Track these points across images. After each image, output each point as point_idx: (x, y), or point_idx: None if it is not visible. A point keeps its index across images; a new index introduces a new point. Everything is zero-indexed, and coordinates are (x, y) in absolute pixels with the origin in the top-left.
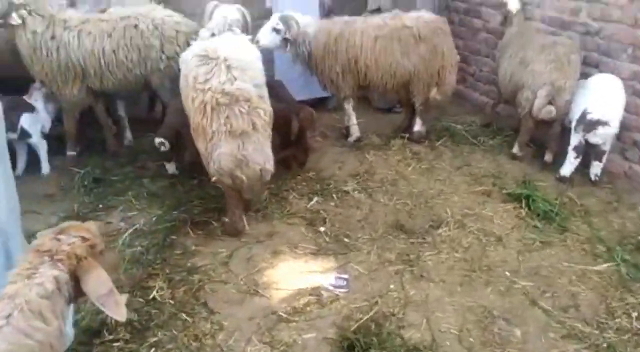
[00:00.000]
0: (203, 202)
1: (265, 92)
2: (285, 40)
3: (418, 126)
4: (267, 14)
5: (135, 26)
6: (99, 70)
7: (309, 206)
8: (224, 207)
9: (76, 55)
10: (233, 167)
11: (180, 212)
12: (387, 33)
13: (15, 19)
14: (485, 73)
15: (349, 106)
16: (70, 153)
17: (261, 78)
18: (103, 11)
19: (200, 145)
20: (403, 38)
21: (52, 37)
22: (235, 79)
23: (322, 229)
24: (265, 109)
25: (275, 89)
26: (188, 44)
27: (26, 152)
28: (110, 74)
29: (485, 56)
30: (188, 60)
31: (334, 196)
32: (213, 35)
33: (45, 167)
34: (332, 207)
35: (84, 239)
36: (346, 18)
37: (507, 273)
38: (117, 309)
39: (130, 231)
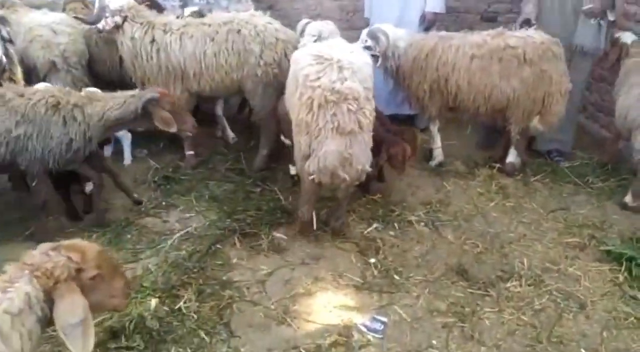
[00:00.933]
0: (259, 214)
1: (371, 95)
2: (374, 57)
3: (512, 157)
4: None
5: (239, 31)
6: (198, 72)
7: (365, 232)
8: (277, 222)
9: (177, 57)
10: (338, 165)
11: (233, 221)
12: (486, 52)
13: (103, 24)
14: (608, 103)
15: (434, 127)
16: (189, 152)
17: (370, 82)
18: (202, 15)
19: (302, 140)
20: (505, 59)
21: (152, 41)
22: (346, 79)
23: (372, 260)
24: (370, 110)
25: None
26: (285, 52)
27: (112, 142)
28: (208, 77)
29: (609, 84)
30: (299, 59)
31: (396, 224)
32: (317, 39)
33: (127, 159)
34: (390, 237)
35: (70, 260)
36: (443, 33)
37: (582, 350)
38: (82, 345)
39: (181, 233)
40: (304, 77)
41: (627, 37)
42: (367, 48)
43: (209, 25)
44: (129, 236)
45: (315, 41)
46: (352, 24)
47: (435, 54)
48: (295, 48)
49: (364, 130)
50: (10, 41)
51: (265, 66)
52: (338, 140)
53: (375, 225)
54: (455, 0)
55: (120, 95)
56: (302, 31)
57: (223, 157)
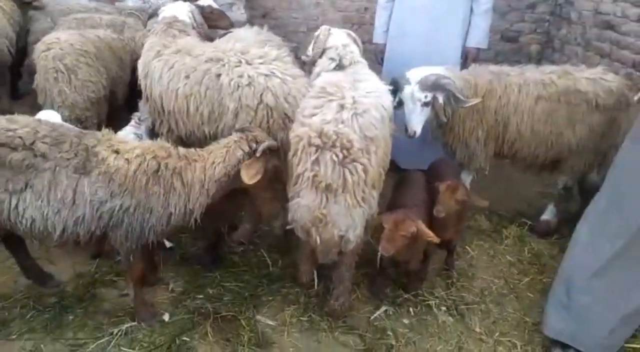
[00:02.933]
0: (240, 287)
1: (379, 149)
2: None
3: (548, 214)
4: None
5: (218, 76)
6: (172, 114)
7: (372, 317)
8: (262, 299)
9: (155, 89)
10: (309, 223)
11: (206, 298)
12: (554, 94)
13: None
14: None
15: (468, 178)
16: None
17: (375, 131)
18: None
19: (287, 185)
20: (573, 103)
21: (145, 62)
22: (342, 122)
23: None
24: (366, 165)
25: (437, 170)
26: (268, 121)
27: None
28: (182, 123)
29: None
30: (312, 89)
31: (411, 309)
32: (337, 67)
33: None
34: (404, 327)
35: None
36: (492, 67)
37: None
38: None
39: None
40: (300, 111)
41: None
42: (426, 104)
43: (194, 58)
44: (71, 318)
45: (334, 68)
46: None
47: (494, 94)
48: (286, 119)
49: (349, 190)
50: None
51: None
52: (312, 194)
53: (384, 308)
54: None
55: (219, 145)
56: (318, 42)
57: None
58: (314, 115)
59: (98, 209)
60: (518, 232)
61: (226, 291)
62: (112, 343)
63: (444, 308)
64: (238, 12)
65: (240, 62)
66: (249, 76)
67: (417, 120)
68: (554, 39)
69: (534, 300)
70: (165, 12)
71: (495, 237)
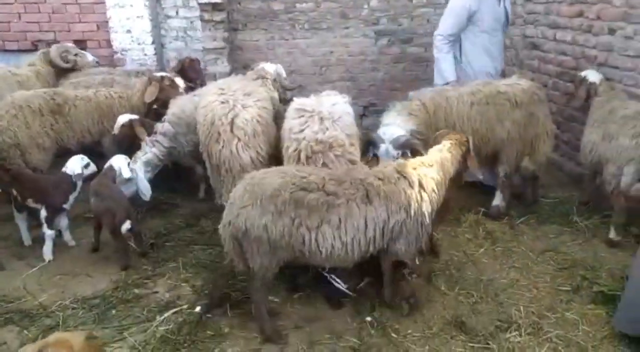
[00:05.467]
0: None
1: (355, 141)
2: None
3: (497, 200)
4: None
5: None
6: None
7: (358, 287)
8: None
9: None
10: None
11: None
12: (482, 98)
13: None
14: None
15: None
16: None
17: (351, 130)
18: None
19: None
20: (498, 103)
21: None
22: (327, 129)
23: (368, 318)
24: (356, 154)
25: None
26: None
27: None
28: None
29: (582, 123)
30: (288, 114)
31: None
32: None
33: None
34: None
35: None
36: (430, 88)
37: None
38: None
39: (173, 311)
40: (289, 131)
41: (594, 77)
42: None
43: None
44: (113, 312)
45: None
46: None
47: (440, 107)
48: (218, 135)
49: None
50: None
51: None
52: None
53: (366, 279)
54: None
55: (437, 151)
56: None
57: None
58: (302, 130)
59: (383, 227)
60: (474, 218)
61: (239, 281)
62: (162, 319)
63: (414, 275)
64: (222, 65)
65: (215, 93)
66: (206, 103)
67: None
68: None
69: (489, 264)
70: (265, 67)
71: (455, 224)
